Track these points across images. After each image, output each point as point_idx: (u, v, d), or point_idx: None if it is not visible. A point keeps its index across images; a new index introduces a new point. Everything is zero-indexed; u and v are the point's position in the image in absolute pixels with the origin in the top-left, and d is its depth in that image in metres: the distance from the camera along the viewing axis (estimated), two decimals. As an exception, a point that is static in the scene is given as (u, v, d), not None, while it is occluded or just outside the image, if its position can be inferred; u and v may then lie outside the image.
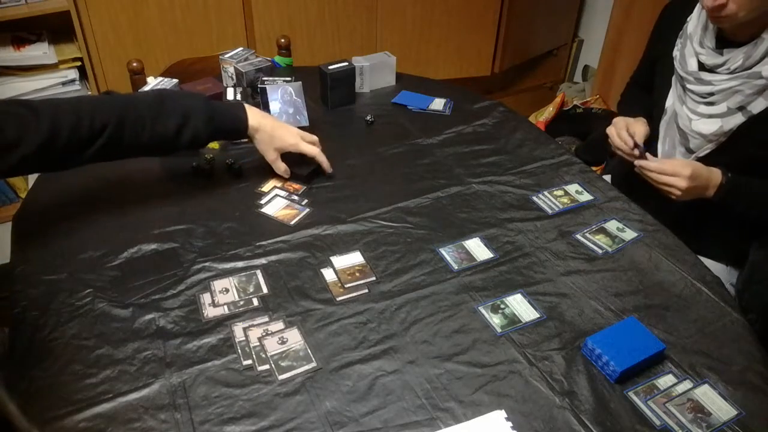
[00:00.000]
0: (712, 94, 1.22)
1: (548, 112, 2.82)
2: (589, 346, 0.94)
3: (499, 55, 3.00)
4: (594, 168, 1.45)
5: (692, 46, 1.26)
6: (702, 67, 1.24)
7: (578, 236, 1.20)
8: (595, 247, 1.17)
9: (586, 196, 1.31)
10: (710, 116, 1.23)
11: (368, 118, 1.57)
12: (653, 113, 1.40)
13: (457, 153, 1.46)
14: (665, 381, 0.91)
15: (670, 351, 0.96)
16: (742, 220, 1.26)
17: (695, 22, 1.27)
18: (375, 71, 1.71)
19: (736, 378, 0.92)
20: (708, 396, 0.89)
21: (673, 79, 1.32)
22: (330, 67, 1.60)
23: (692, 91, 1.26)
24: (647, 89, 1.47)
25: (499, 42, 2.97)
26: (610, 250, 1.16)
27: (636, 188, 1.32)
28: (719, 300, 1.05)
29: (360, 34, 2.69)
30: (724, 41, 1.21)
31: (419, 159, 1.44)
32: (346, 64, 1.62)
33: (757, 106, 1.17)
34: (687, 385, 0.91)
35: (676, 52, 1.32)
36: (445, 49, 2.90)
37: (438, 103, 1.65)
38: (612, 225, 1.22)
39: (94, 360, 0.94)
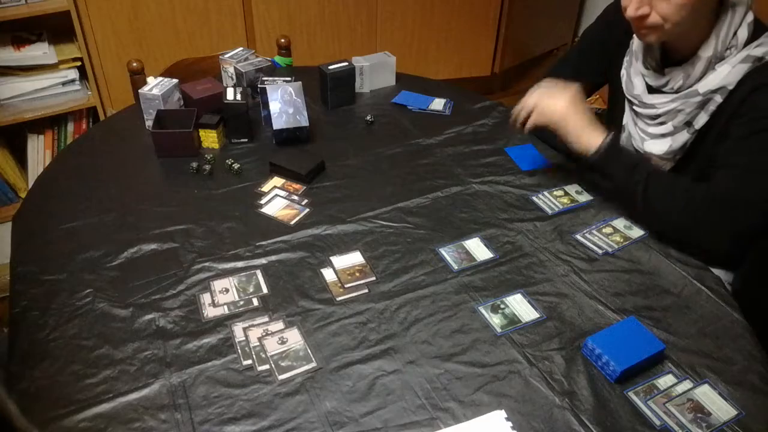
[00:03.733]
0: (658, 115, 1.22)
1: (548, 112, 2.81)
2: (589, 346, 0.94)
3: (499, 55, 3.01)
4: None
5: (637, 65, 1.25)
6: (650, 88, 1.23)
7: (578, 236, 1.20)
8: (595, 247, 1.17)
9: (585, 197, 1.31)
10: (662, 136, 1.23)
11: (368, 118, 1.57)
12: (610, 125, 1.40)
13: (457, 153, 1.46)
14: (665, 381, 0.91)
15: (670, 351, 0.96)
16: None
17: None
18: (375, 71, 1.71)
19: (736, 378, 0.92)
20: (708, 396, 0.89)
21: (625, 100, 1.32)
22: (330, 67, 1.60)
23: (640, 114, 1.26)
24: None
25: (499, 42, 2.97)
26: (610, 250, 1.16)
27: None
28: (719, 300, 1.05)
29: (360, 34, 2.70)
30: (666, 60, 1.21)
31: (419, 159, 1.44)
32: (346, 64, 1.62)
33: (699, 121, 1.17)
34: (687, 385, 0.91)
35: (623, 72, 1.31)
36: (445, 49, 2.90)
37: (438, 103, 1.65)
38: (619, 223, 1.22)
39: (94, 360, 0.94)
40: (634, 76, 1.27)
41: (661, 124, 1.22)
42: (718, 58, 1.12)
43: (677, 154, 1.23)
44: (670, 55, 1.21)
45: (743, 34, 1.10)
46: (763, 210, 1.10)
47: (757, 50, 1.09)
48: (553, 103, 1.23)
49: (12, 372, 0.92)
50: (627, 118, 1.33)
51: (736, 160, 1.11)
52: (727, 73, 1.11)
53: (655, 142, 1.24)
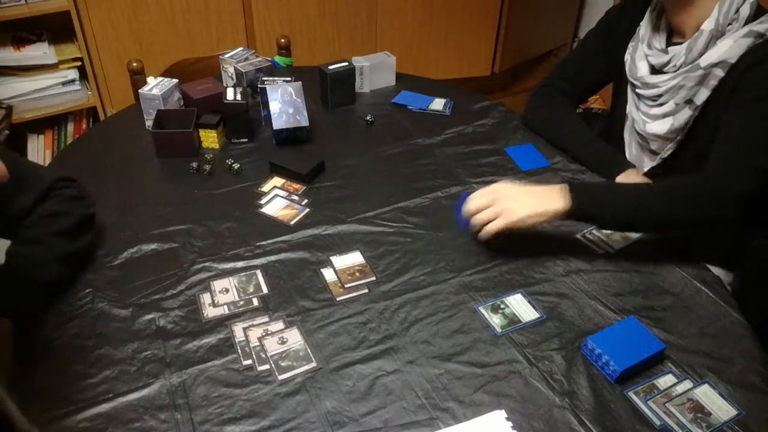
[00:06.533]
0: (660, 95, 1.24)
1: (548, 112, 2.81)
2: (589, 346, 0.94)
3: (499, 55, 3.00)
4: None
5: (642, 48, 1.28)
6: (653, 69, 1.26)
7: (578, 236, 1.20)
8: (595, 247, 1.17)
9: (586, 196, 1.31)
10: (664, 116, 1.24)
11: (368, 118, 1.57)
12: (612, 120, 1.42)
13: (457, 153, 1.46)
14: (665, 381, 0.91)
15: (670, 351, 0.96)
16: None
17: (646, 24, 1.29)
18: (375, 71, 1.70)
19: (736, 378, 0.92)
20: (708, 396, 0.89)
21: (628, 86, 1.34)
22: (330, 67, 1.60)
23: (643, 96, 1.28)
24: (575, 89, 1.48)
25: (499, 42, 2.97)
26: (610, 250, 1.16)
27: None
28: (719, 300, 1.05)
29: (360, 34, 2.70)
30: (671, 43, 1.24)
31: (419, 159, 1.44)
32: (346, 64, 1.62)
33: (700, 97, 1.18)
34: (687, 385, 0.91)
35: (627, 56, 1.33)
36: (445, 49, 2.90)
37: (438, 103, 1.65)
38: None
39: (94, 360, 0.94)
40: (638, 60, 1.29)
41: (663, 104, 1.24)
42: (720, 32, 1.14)
43: (678, 134, 1.24)
44: (676, 38, 1.24)
45: (745, 10, 1.13)
46: (761, 175, 1.10)
47: (759, 26, 1.11)
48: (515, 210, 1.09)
49: (12, 372, 0.92)
50: (630, 106, 1.34)
51: (734, 128, 1.12)
52: (728, 47, 1.12)
53: (657, 123, 1.26)
